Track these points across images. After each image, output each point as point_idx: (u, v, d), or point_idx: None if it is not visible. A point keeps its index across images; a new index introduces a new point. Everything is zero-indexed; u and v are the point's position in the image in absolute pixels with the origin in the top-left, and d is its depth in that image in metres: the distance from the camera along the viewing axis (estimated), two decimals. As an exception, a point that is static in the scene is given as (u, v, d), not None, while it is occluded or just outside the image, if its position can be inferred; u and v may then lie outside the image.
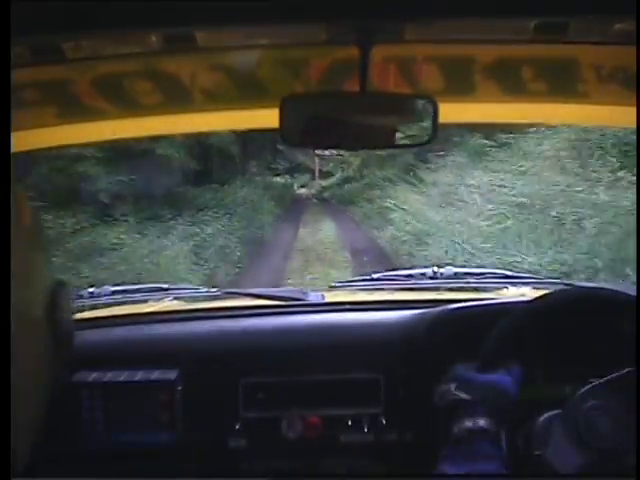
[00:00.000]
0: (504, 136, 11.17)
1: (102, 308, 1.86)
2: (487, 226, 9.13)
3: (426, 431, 1.42)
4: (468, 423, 1.22)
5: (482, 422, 1.21)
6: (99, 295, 1.87)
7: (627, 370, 1.21)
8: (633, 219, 6.28)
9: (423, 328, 1.54)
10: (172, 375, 1.51)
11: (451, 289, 1.94)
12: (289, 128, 1.11)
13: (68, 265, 7.77)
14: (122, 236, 9.86)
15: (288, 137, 1.13)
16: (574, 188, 8.24)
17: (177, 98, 1.33)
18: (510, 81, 1.28)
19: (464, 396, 1.25)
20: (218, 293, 2.05)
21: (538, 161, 9.78)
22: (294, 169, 33.40)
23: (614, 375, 1.22)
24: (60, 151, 8.99)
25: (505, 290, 1.89)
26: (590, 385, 1.23)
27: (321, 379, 1.54)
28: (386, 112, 1.15)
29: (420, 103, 1.14)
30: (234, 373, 1.53)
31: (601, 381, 1.23)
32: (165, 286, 2.00)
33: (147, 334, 1.66)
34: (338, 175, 30.37)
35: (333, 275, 9.09)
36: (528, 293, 1.77)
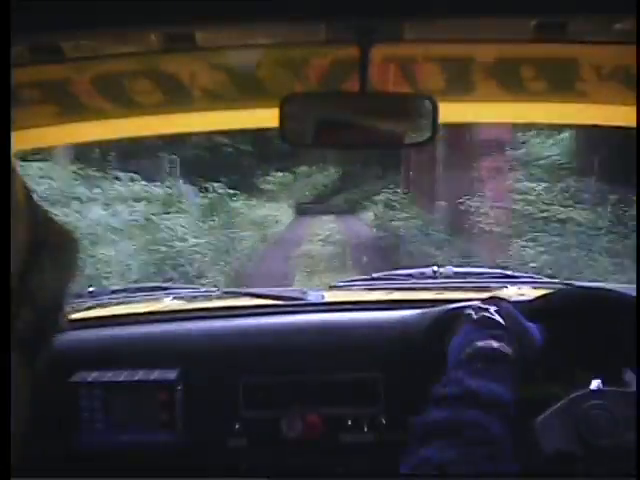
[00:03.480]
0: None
1: (102, 308, 1.86)
2: None
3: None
4: (473, 373, 1.22)
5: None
6: (99, 295, 1.87)
7: (627, 370, 1.21)
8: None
9: (423, 328, 1.54)
10: (172, 375, 1.51)
11: (451, 289, 1.94)
12: (289, 128, 1.11)
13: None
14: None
15: (288, 137, 1.13)
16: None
17: (177, 98, 1.33)
18: (510, 81, 1.28)
19: (476, 346, 1.26)
20: (218, 293, 2.05)
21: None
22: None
23: (614, 375, 1.22)
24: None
25: (505, 290, 1.89)
26: (590, 385, 1.23)
27: (321, 379, 1.54)
28: (386, 112, 1.15)
29: (420, 103, 1.14)
30: (234, 373, 1.53)
31: (601, 381, 1.23)
32: (165, 286, 2.00)
33: (147, 334, 1.66)
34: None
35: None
36: (528, 293, 1.77)
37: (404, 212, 12.06)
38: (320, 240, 13.82)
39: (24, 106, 1.27)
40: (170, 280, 6.81)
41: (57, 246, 0.57)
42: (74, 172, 10.24)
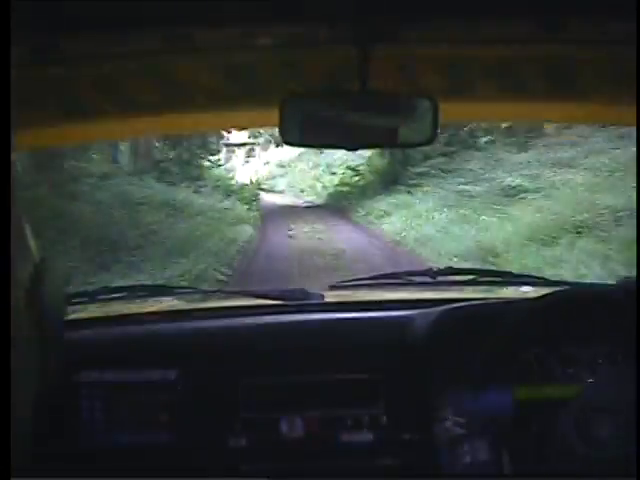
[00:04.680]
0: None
1: (102, 308, 1.86)
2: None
3: (426, 431, 1.42)
4: (468, 457, 1.22)
5: (483, 454, 1.22)
6: (99, 295, 1.87)
7: (627, 369, 1.21)
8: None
9: (423, 328, 1.54)
10: (172, 375, 1.51)
11: (451, 289, 1.94)
12: (289, 128, 1.11)
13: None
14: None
15: (288, 136, 1.13)
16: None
17: (177, 98, 1.33)
18: (510, 81, 1.28)
19: (461, 429, 1.26)
20: (218, 293, 2.05)
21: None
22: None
23: (614, 374, 1.23)
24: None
25: (505, 290, 1.89)
26: (591, 385, 1.23)
27: (321, 379, 1.53)
28: (386, 111, 1.15)
29: (420, 103, 1.14)
30: (234, 373, 1.53)
31: (601, 381, 1.23)
32: (165, 286, 2.00)
33: (147, 334, 1.66)
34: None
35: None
36: (528, 293, 1.77)
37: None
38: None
39: (24, 106, 1.27)
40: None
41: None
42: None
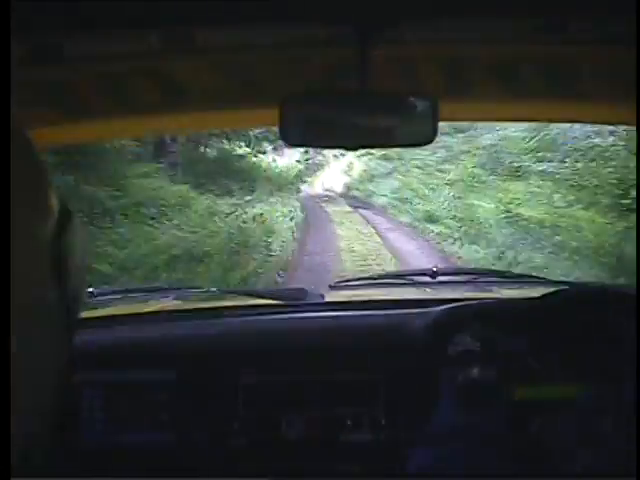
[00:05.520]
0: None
1: (102, 308, 1.86)
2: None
3: (425, 430, 1.42)
4: (474, 373, 1.24)
5: (488, 374, 1.24)
6: (99, 295, 1.87)
7: (627, 369, 1.21)
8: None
9: (423, 328, 1.54)
10: (172, 375, 1.51)
11: (451, 289, 1.94)
12: (289, 128, 1.11)
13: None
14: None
15: (288, 137, 1.13)
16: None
17: (177, 98, 1.33)
18: (510, 81, 1.28)
19: (477, 345, 1.28)
20: (218, 293, 2.05)
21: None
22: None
23: (615, 375, 1.23)
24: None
25: (505, 290, 1.89)
26: (591, 385, 1.23)
27: (321, 379, 1.54)
28: (386, 112, 1.15)
29: (420, 103, 1.14)
30: (234, 373, 1.53)
31: (602, 381, 1.23)
32: (165, 286, 2.00)
33: (147, 334, 1.66)
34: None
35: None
36: (528, 293, 1.77)
37: None
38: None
39: (24, 106, 1.27)
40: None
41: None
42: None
